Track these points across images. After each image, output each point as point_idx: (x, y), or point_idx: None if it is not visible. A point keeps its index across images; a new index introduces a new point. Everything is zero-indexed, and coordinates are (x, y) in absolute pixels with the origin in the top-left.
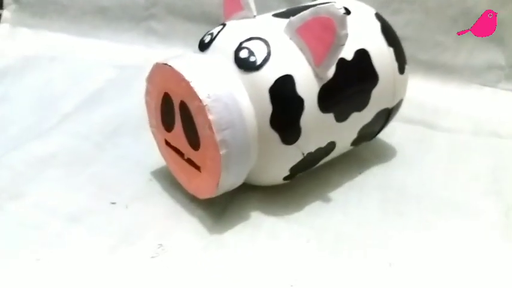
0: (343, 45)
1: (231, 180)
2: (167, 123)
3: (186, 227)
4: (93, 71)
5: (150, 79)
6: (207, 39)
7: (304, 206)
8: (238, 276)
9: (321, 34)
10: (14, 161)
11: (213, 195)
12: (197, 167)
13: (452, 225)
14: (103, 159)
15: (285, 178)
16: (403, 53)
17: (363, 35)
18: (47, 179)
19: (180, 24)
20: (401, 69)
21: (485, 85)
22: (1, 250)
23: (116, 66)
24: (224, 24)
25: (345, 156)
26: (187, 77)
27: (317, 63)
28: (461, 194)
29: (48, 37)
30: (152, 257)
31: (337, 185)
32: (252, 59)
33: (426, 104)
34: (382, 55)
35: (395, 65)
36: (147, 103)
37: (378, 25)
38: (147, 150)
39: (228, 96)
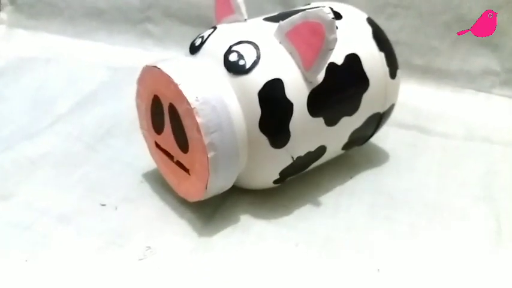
0: (332, 49)
1: (219, 184)
2: (157, 125)
3: (175, 230)
4: (88, 73)
5: (140, 81)
6: (198, 42)
7: (294, 210)
8: (226, 279)
9: (310, 38)
10: (4, 161)
11: (202, 199)
12: (186, 170)
13: (443, 231)
14: (94, 161)
15: (275, 182)
16: (394, 58)
17: (353, 39)
18: (37, 180)
19: (176, 27)
20: (393, 74)
21: (479, 90)
22: None
23: (111, 68)
24: (215, 28)
25: (336, 161)
26: (176, 80)
27: (306, 68)
28: (452, 199)
29: (44, 39)
30: (140, 260)
31: (328, 189)
32: (241, 62)
33: (420, 108)
34: (373, 60)
35: (386, 69)
36: (138, 105)
37: (369, 30)
38: (139, 152)
39: (217, 99)
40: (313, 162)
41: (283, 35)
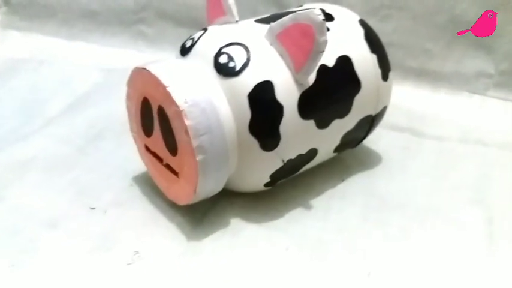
0: (323, 52)
1: (209, 187)
2: (147, 128)
3: (164, 233)
4: (81, 75)
5: (130, 83)
6: (188, 43)
7: (285, 213)
8: (215, 284)
9: (301, 40)
10: None
11: (191, 202)
12: (175, 173)
13: (435, 235)
14: (84, 164)
15: (266, 185)
16: (387, 60)
17: (345, 41)
18: (26, 183)
19: (170, 28)
20: (385, 76)
21: (474, 93)
22: None
23: (105, 70)
24: (205, 29)
25: (328, 163)
26: (165, 82)
27: (297, 70)
28: (445, 202)
29: (37, 40)
30: (128, 264)
31: (319, 192)
32: (231, 64)
33: (414, 111)
34: (364, 62)
35: (378, 71)
36: (128, 107)
37: (361, 31)
38: (130, 154)
39: (206, 101)
40: (304, 165)
41: (273, 36)
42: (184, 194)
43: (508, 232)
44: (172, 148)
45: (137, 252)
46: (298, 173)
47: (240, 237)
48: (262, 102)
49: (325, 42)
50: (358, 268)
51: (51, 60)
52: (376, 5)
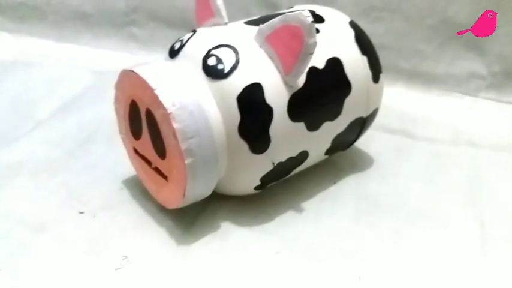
0: (312, 53)
1: (198, 191)
2: (135, 131)
3: (153, 238)
4: (72, 77)
5: (118, 86)
6: (177, 46)
7: (276, 217)
8: None
9: (290, 42)
10: None
11: (180, 206)
12: (164, 177)
13: (427, 237)
14: (74, 167)
15: (256, 188)
16: (377, 62)
17: (335, 43)
18: (14, 187)
19: (161, 30)
20: (376, 78)
21: (466, 94)
22: None
23: (96, 72)
24: (194, 31)
25: (319, 166)
26: (152, 85)
27: (286, 72)
28: (436, 204)
29: (28, 42)
30: (117, 269)
31: (311, 195)
32: (220, 66)
33: (406, 112)
34: (355, 63)
35: (369, 73)
36: (116, 110)
37: (351, 33)
38: (120, 158)
39: (194, 104)
40: (295, 167)
41: (263, 38)
42: (173, 197)
43: (500, 234)
44: (161, 151)
45: (126, 256)
46: (289, 175)
47: (230, 241)
48: (252, 104)
49: (315, 44)
50: (349, 272)
51: (41, 62)
52: (367, 6)
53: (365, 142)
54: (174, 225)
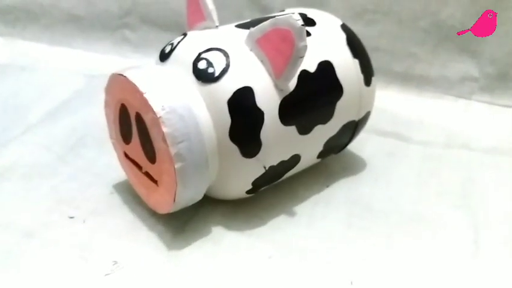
0: (303, 57)
1: (188, 195)
2: (125, 135)
3: (144, 243)
4: (64, 81)
5: (108, 90)
6: (167, 49)
7: (268, 221)
8: None
9: (280, 46)
10: None
11: (171, 211)
12: (155, 181)
13: (419, 241)
14: (64, 172)
15: (248, 192)
16: (369, 65)
17: (327, 46)
18: (3, 192)
19: (154, 33)
20: (368, 81)
21: (459, 97)
22: None
23: (88, 75)
24: (185, 34)
25: (312, 169)
26: (142, 88)
27: (277, 75)
28: (430, 209)
29: (19, 45)
30: (107, 274)
31: (303, 198)
32: (210, 70)
33: (399, 115)
34: (346, 67)
35: (361, 76)
36: (107, 114)
37: (343, 36)
38: (111, 162)
39: (184, 108)
40: (287, 171)
41: (253, 42)
42: (163, 202)
43: (493, 237)
44: (151, 156)
45: (116, 262)
46: (281, 179)
47: (222, 246)
48: (242, 108)
49: (305, 47)
50: (341, 276)
51: (33, 66)
52: (360, 9)
53: (358, 145)
54: (165, 230)
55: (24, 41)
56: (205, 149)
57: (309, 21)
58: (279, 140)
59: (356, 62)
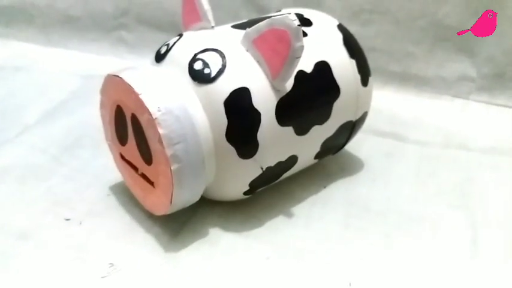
0: (299, 57)
1: (185, 197)
2: (121, 136)
3: (141, 245)
4: (59, 82)
5: (104, 91)
6: (163, 50)
7: (265, 222)
8: None
9: (276, 46)
10: None
11: (168, 213)
12: (151, 183)
13: (418, 241)
14: (60, 173)
15: (245, 193)
16: (366, 65)
17: (323, 46)
18: None
19: (150, 34)
20: (365, 82)
21: (456, 97)
22: None
23: (84, 76)
24: (181, 35)
25: (309, 170)
26: (137, 89)
27: (274, 76)
28: (427, 209)
29: (15, 46)
30: (103, 277)
31: (300, 199)
32: (206, 71)
33: (396, 115)
34: (343, 67)
35: (358, 77)
36: (102, 116)
37: (339, 36)
38: (107, 163)
39: (180, 109)
40: (284, 172)
41: (250, 42)
42: (160, 204)
43: (491, 237)
44: (147, 157)
45: (112, 264)
46: (279, 180)
47: (219, 247)
48: (239, 109)
49: (302, 48)
50: (339, 277)
51: (29, 67)
52: (357, 9)
53: (355, 146)
54: (162, 232)
55: (20, 42)
56: (202, 150)
57: (305, 22)
58: (276, 141)
59: (353, 62)
